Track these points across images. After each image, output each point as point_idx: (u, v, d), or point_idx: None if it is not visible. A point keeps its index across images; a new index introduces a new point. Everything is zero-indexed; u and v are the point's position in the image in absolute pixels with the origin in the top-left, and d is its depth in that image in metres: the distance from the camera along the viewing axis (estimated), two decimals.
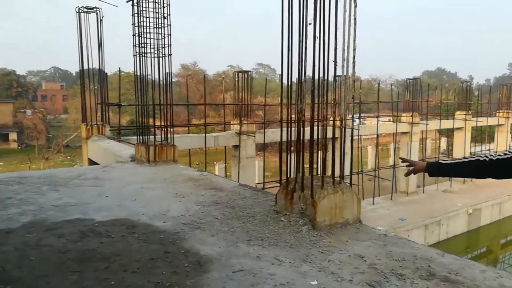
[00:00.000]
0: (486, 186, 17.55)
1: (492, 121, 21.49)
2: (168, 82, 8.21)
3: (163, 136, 8.42)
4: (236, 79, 13.61)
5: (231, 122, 13.61)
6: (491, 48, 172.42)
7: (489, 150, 21.33)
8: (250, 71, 13.85)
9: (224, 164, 15.22)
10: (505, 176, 2.29)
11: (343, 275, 3.12)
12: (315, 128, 4.25)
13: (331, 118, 4.92)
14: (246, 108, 13.31)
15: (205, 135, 11.82)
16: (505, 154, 2.42)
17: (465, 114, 19.86)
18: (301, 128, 4.30)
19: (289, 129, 4.48)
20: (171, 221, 4.38)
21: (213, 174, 8.16)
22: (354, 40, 4.10)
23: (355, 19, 4.07)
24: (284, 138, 4.70)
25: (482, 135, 23.60)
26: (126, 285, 2.94)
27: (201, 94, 33.65)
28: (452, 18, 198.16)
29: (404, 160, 2.92)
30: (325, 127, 4.19)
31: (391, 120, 18.88)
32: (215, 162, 22.01)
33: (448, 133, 22.22)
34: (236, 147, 12.89)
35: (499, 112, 22.06)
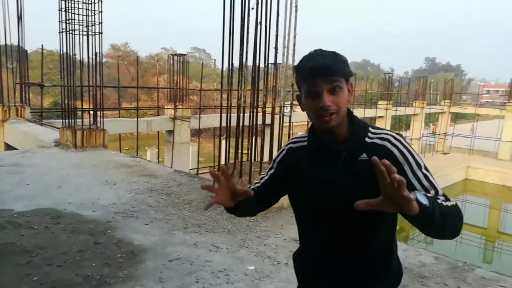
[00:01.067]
0: None
1: (409, 110, 23.33)
2: (97, 63, 7.68)
3: (91, 120, 7.90)
4: (171, 62, 13.15)
5: (165, 107, 13.20)
6: (409, 42, 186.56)
7: (405, 137, 23.03)
8: (186, 54, 13.47)
9: (157, 150, 14.77)
10: None
11: (279, 258, 3.20)
12: (254, 114, 4.26)
13: (270, 105, 4.97)
14: (181, 92, 12.96)
15: (137, 120, 11.33)
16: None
17: (387, 104, 21.29)
18: (241, 114, 4.28)
19: (228, 115, 4.44)
20: (102, 210, 4.15)
21: (146, 160, 7.87)
22: (295, 28, 4.14)
23: (296, 6, 4.11)
24: (224, 124, 4.64)
25: (400, 123, 25.54)
26: (51, 280, 2.73)
27: (132, 77, 32.05)
28: (377, 9, 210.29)
29: None
30: (264, 113, 4.21)
31: None
32: (146, 148, 21.28)
33: (371, 121, 23.66)
34: (170, 132, 12.55)
35: (415, 103, 23.99)
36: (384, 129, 1.33)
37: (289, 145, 1.45)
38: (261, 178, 1.51)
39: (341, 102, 1.23)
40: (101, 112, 8.09)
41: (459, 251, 14.19)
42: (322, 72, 1.21)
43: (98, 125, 7.87)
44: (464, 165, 21.41)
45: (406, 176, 1.17)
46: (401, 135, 1.30)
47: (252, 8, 4.17)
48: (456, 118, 31.55)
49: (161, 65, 24.66)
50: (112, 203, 4.36)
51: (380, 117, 21.36)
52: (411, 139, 22.79)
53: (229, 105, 4.56)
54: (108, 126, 8.88)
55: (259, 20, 4.16)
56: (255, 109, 4.40)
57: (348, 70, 1.27)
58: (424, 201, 1.04)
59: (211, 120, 13.36)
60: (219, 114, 5.10)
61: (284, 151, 1.45)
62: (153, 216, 4.04)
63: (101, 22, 7.33)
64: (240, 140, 4.42)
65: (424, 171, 1.22)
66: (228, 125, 4.65)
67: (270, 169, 1.49)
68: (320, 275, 1.37)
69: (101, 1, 7.17)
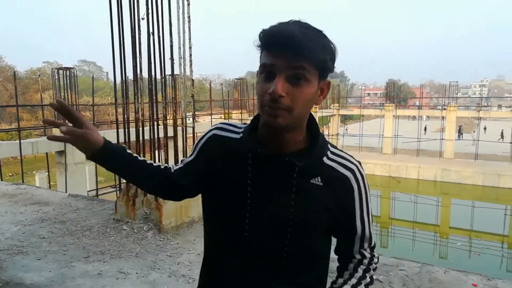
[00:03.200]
0: None
1: (327, 112, 25.27)
2: None
3: None
4: (56, 77, 12.04)
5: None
6: None
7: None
8: (73, 68, 12.46)
9: (47, 173, 13.34)
10: None
11: (194, 275, 3.07)
12: (155, 128, 4.08)
13: (170, 117, 4.82)
14: None
15: (20, 141, 10.09)
16: None
17: None
18: (140, 128, 4.06)
19: (126, 129, 4.17)
20: None
21: (33, 186, 7.03)
22: (190, 39, 4.07)
23: (189, 17, 4.05)
24: (121, 139, 4.35)
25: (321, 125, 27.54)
26: None
27: (10, 94, 28.67)
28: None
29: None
30: (165, 126, 4.05)
31: (223, 117, 19.85)
32: (34, 172, 19.11)
33: None
34: (61, 152, 11.43)
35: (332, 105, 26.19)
36: (347, 153, 1.08)
37: (214, 131, 1.11)
38: (181, 161, 1.19)
39: (300, 99, 0.92)
40: None
41: None
42: (284, 44, 0.88)
43: None
44: None
45: (354, 219, 1.05)
46: (361, 166, 1.08)
47: (143, 18, 4.01)
48: (345, 119, 34.62)
49: (44, 80, 22.44)
50: None
51: None
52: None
53: (126, 119, 4.29)
54: None
55: (151, 31, 4.01)
56: (155, 122, 4.22)
57: (326, 59, 0.93)
58: None
59: (108, 136, 12.01)
60: (115, 130, 4.79)
61: (206, 137, 1.12)
62: (46, 249, 3.59)
63: None
64: (141, 155, 4.19)
65: (370, 217, 1.08)
66: (127, 140, 4.38)
67: (190, 155, 1.17)
68: None
69: None
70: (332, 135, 27.35)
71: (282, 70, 0.89)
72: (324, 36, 0.94)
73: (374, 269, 1.09)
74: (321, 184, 1.00)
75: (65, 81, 11.94)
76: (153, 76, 4.14)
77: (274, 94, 0.89)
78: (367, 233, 1.08)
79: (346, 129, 29.84)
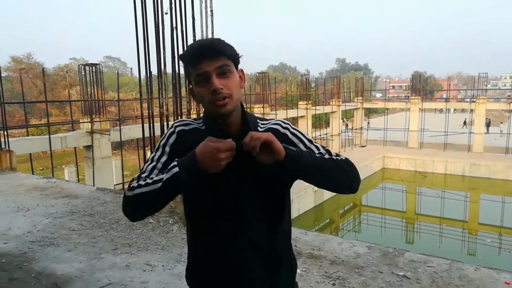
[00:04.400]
0: None
1: (327, 109, 24.65)
2: None
3: None
4: (83, 73, 12.30)
5: (81, 120, 12.31)
6: (321, 47, 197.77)
7: (326, 134, 24.36)
8: (98, 64, 12.69)
9: (75, 167, 13.73)
10: None
11: None
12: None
13: (194, 112, 4.84)
14: (97, 104, 12.19)
15: (49, 136, 10.40)
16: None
17: (306, 104, 22.23)
18: (165, 123, 4.10)
19: (151, 124, 4.22)
20: (15, 241, 3.69)
21: (63, 180, 7.24)
22: (212, 32, 4.07)
23: (211, 11, 4.04)
24: (147, 134, 4.42)
25: (320, 121, 26.92)
26: None
27: (39, 90, 29.55)
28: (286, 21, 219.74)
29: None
30: None
31: None
32: (63, 166, 19.71)
33: (293, 121, 24.56)
34: (89, 147, 11.72)
35: (332, 101, 25.43)
36: (272, 119, 1.35)
37: (179, 127, 1.29)
38: (152, 168, 1.24)
39: (233, 86, 1.19)
40: (5, 132, 7.28)
41: (384, 236, 15.27)
42: (207, 52, 1.17)
43: (3, 146, 7.08)
44: (380, 156, 23.11)
45: (295, 145, 1.28)
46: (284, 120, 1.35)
47: (166, 13, 4.03)
48: (369, 113, 34.04)
49: (71, 76, 23.03)
50: (26, 232, 3.91)
51: (301, 116, 22.19)
52: (332, 135, 24.05)
53: (151, 114, 4.34)
54: (16, 146, 8.04)
55: (174, 25, 4.03)
56: (179, 117, 4.25)
57: (236, 53, 1.23)
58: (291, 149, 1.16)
59: (133, 131, 12.76)
60: (141, 125, 4.85)
61: (174, 134, 1.27)
62: (76, 241, 3.69)
63: None
64: None
65: (315, 143, 1.31)
66: (152, 135, 4.44)
67: (160, 155, 1.26)
68: (223, 278, 1.28)
69: None
70: (356, 129, 26.92)
71: (212, 71, 1.17)
72: (223, 40, 1.23)
73: (343, 160, 1.27)
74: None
75: (91, 77, 12.19)
76: (177, 71, 4.17)
77: (216, 89, 1.16)
78: (322, 151, 1.28)
79: (368, 123, 29.32)
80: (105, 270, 3.09)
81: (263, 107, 19.72)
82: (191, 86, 1.26)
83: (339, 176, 1.24)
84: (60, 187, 5.75)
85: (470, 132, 23.12)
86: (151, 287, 2.83)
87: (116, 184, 12.38)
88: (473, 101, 24.44)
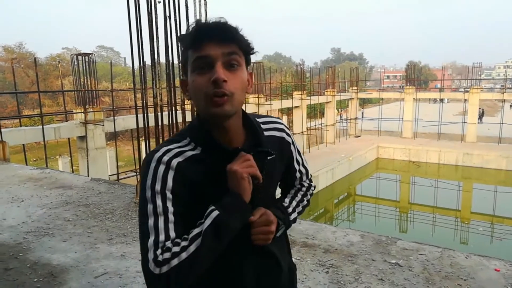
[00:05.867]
0: (320, 156, 20.13)
1: (322, 99, 24.63)
2: None
3: None
4: (76, 63, 12.17)
5: (74, 111, 12.22)
6: (316, 36, 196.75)
7: (321, 124, 24.38)
8: (91, 53, 12.56)
9: (69, 158, 13.66)
10: None
11: None
12: (173, 112, 4.10)
13: (188, 102, 4.82)
14: (90, 94, 12.09)
15: (43, 127, 10.32)
16: None
17: (301, 94, 22.21)
18: (159, 113, 4.08)
19: (145, 115, 4.21)
20: (9, 232, 3.69)
21: (57, 170, 7.21)
22: (206, 21, 4.04)
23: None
24: (141, 125, 4.40)
25: (314, 111, 26.91)
26: None
27: (32, 81, 29.21)
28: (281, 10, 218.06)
29: None
30: (183, 111, 4.07)
31: None
32: (57, 157, 19.60)
33: (288, 112, 24.51)
34: (83, 138, 11.65)
35: (326, 91, 25.41)
36: (269, 117, 1.22)
37: (175, 160, 0.98)
38: (166, 227, 0.94)
39: (238, 84, 0.97)
40: None
41: (378, 225, 15.42)
42: (215, 33, 0.94)
43: None
44: (374, 146, 23.22)
45: (293, 163, 1.27)
46: (282, 121, 1.26)
47: (159, 2, 3.99)
48: (363, 103, 34.08)
49: (64, 66, 22.77)
50: (21, 222, 3.91)
51: (296, 107, 22.17)
52: (326, 125, 24.09)
53: (145, 104, 4.33)
54: (8, 137, 7.99)
55: (167, 15, 4.00)
56: (173, 107, 4.24)
57: (250, 45, 1.00)
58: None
59: (127, 121, 12.69)
60: (135, 115, 4.84)
61: (173, 172, 0.97)
62: (71, 231, 3.70)
63: None
64: (160, 140, 4.23)
65: (302, 156, 1.32)
66: (146, 125, 4.43)
67: (166, 203, 0.96)
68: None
69: None
70: (351, 119, 26.96)
71: (218, 58, 0.94)
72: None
73: (311, 194, 1.34)
74: (274, 155, 1.10)
75: (84, 67, 12.07)
76: (171, 61, 4.14)
77: (219, 79, 0.92)
78: (303, 169, 1.31)
79: (362, 113, 29.36)
80: (101, 260, 3.11)
81: (258, 97, 19.66)
82: (184, 77, 1.04)
83: (302, 212, 1.33)
84: (54, 178, 5.73)
85: (464, 122, 23.26)
86: None
87: (110, 175, 12.35)
88: (467, 91, 24.54)
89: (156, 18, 4.02)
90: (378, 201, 18.64)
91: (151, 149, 1.11)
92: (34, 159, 20.50)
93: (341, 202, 19.28)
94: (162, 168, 0.98)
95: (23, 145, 10.35)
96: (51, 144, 20.07)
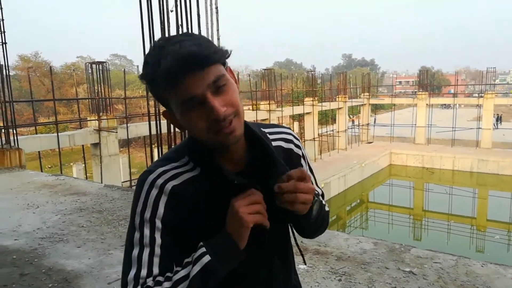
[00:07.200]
0: (332, 163, 20.01)
1: (333, 105, 24.57)
2: (4, 76, 6.98)
3: (3, 139, 7.16)
4: (90, 71, 12.40)
5: (88, 118, 12.43)
6: (326, 42, 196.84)
7: (332, 130, 24.29)
8: (105, 62, 12.78)
9: (83, 165, 13.85)
10: None
11: None
12: None
13: None
14: (104, 102, 12.30)
15: (57, 134, 10.51)
16: None
17: (312, 100, 22.19)
18: None
19: (158, 122, 4.26)
20: (25, 237, 3.75)
21: (71, 177, 7.32)
22: (218, 30, 4.09)
23: (216, 8, 4.06)
24: (153, 132, 4.45)
25: (326, 118, 26.83)
26: None
27: (47, 89, 29.83)
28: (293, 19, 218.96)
29: None
30: None
31: (250, 108, 19.86)
32: (71, 163, 19.89)
33: (300, 118, 24.49)
34: (96, 145, 11.84)
35: (338, 97, 25.34)
36: (276, 126, 1.10)
37: (169, 184, 0.90)
38: (150, 261, 0.87)
39: (234, 98, 0.86)
40: (14, 130, 7.37)
41: (392, 233, 15.23)
42: (192, 67, 0.80)
43: (12, 144, 7.17)
44: (387, 152, 23.01)
45: None
46: (291, 131, 1.13)
47: (172, 10, 4.06)
48: (376, 109, 33.88)
49: (78, 74, 23.17)
50: (36, 229, 3.97)
51: (307, 113, 22.14)
52: (338, 132, 23.99)
53: (157, 111, 4.38)
54: (25, 144, 8.15)
55: (179, 23, 4.05)
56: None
57: (224, 51, 0.87)
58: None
59: (140, 128, 12.84)
60: (147, 122, 4.90)
61: (166, 197, 0.89)
62: (85, 237, 3.74)
63: (4, 31, 6.67)
64: (172, 145, 4.27)
65: (312, 172, 1.15)
66: (159, 132, 4.47)
67: (154, 233, 0.88)
68: None
69: (1, 8, 6.52)
70: (363, 125, 26.81)
71: (205, 92, 0.81)
72: (197, 35, 0.90)
73: (328, 217, 1.14)
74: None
75: (98, 75, 12.28)
76: None
77: (219, 116, 0.82)
78: (318, 190, 1.11)
79: (375, 119, 29.18)
80: (114, 266, 3.13)
81: (269, 103, 19.69)
82: (167, 110, 0.91)
83: (323, 229, 1.12)
84: (69, 185, 5.81)
85: (478, 128, 22.91)
86: None
87: (123, 182, 12.48)
88: (481, 96, 24.21)
89: (168, 26, 4.08)
90: (391, 208, 18.41)
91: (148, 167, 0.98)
92: (49, 166, 20.85)
93: (354, 209, 19.11)
94: (154, 192, 0.89)
95: (39, 152, 10.55)
96: (65, 151, 20.38)
